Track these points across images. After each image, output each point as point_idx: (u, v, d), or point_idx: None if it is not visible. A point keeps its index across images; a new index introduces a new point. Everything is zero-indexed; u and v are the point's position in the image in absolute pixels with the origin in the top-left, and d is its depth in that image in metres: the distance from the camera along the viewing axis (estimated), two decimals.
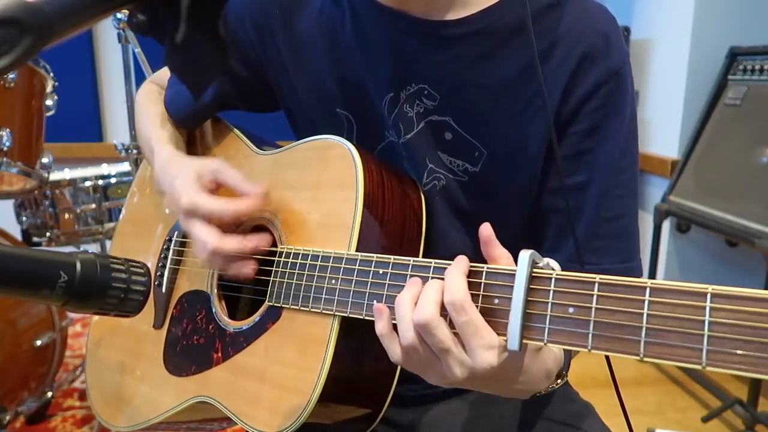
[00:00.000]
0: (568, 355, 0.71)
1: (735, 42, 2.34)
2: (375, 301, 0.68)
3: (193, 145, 1.03)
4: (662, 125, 2.62)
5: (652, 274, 2.51)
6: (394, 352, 0.63)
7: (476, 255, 0.63)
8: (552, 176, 0.79)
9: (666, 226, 2.52)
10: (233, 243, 0.78)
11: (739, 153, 2.16)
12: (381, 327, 0.63)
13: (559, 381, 0.69)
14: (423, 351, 0.60)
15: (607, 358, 0.69)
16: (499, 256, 0.61)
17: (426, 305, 0.59)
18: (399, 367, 0.77)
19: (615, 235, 0.79)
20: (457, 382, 0.60)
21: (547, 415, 0.86)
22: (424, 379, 0.63)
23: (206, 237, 0.78)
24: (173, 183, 0.83)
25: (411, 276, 0.66)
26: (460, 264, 0.61)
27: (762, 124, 2.12)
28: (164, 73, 1.06)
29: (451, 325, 0.58)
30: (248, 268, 0.79)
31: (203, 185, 0.82)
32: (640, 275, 0.80)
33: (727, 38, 2.36)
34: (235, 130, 0.98)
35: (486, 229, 0.61)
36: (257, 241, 0.80)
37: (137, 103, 1.07)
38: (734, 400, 2.00)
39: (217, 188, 0.84)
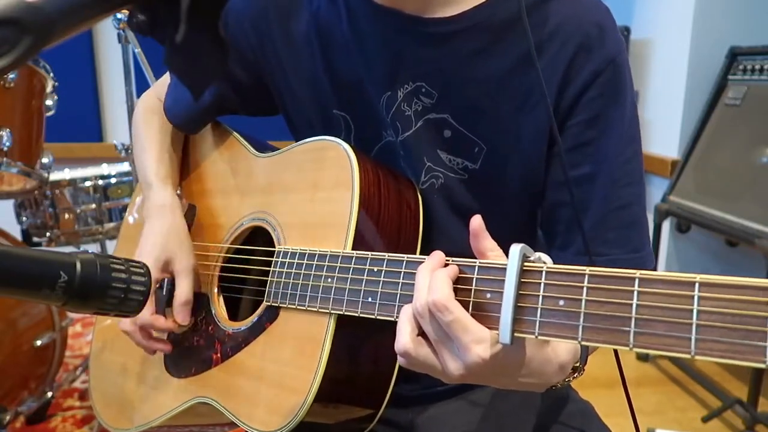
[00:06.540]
0: (585, 349, 0.69)
1: (735, 42, 2.34)
2: (370, 299, 0.68)
3: (193, 149, 1.04)
4: (662, 125, 2.62)
5: None
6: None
7: None
8: (556, 170, 0.79)
9: (666, 226, 2.52)
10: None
11: (739, 153, 2.16)
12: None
13: (576, 375, 0.68)
14: (432, 329, 0.58)
15: (616, 355, 0.69)
16: (486, 249, 0.60)
17: (441, 285, 0.58)
18: (397, 366, 0.77)
19: (625, 224, 0.78)
20: (456, 377, 0.59)
21: (547, 415, 0.86)
22: (422, 379, 0.62)
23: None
24: (145, 247, 0.91)
25: (405, 273, 0.66)
26: (444, 266, 0.60)
27: (762, 124, 2.12)
28: (165, 82, 1.05)
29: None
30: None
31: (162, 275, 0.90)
32: (652, 264, 0.79)
33: (727, 38, 2.36)
34: (235, 133, 0.99)
35: (476, 221, 0.61)
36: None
37: (136, 118, 1.05)
38: (734, 400, 2.00)
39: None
